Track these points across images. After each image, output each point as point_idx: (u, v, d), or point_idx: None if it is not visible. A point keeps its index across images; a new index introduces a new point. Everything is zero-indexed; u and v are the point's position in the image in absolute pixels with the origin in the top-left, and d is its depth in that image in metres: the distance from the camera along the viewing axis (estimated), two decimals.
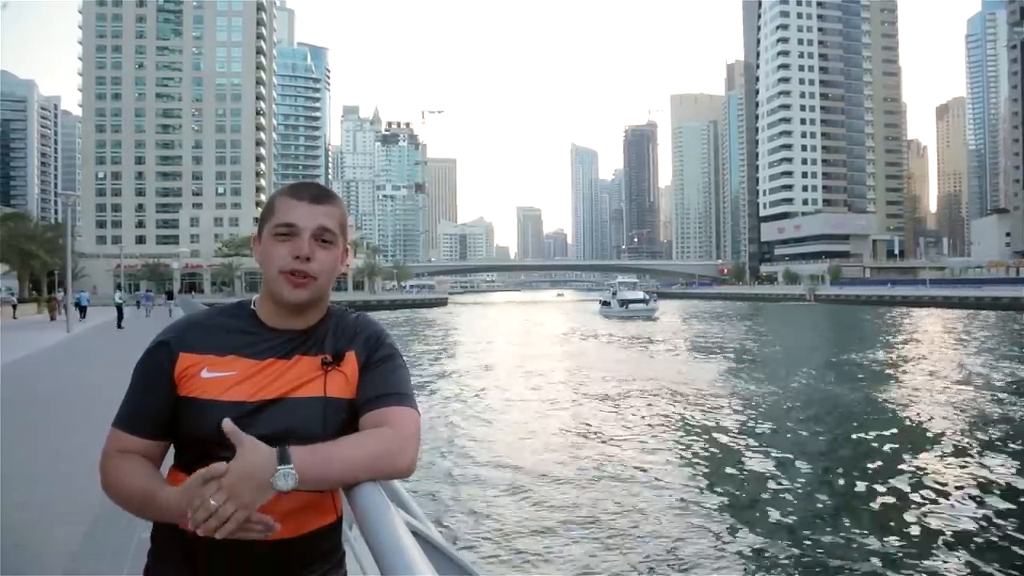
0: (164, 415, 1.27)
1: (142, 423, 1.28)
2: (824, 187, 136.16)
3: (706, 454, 11.94)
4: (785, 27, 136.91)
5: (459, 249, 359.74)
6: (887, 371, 22.67)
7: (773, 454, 11.83)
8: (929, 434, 13.09)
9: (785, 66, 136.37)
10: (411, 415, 1.27)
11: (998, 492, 9.40)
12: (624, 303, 63.84)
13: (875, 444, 12.39)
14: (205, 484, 1.06)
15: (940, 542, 7.69)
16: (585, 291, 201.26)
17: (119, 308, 28.37)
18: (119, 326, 26.75)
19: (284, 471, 1.07)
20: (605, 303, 69.85)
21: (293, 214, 1.30)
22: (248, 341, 1.30)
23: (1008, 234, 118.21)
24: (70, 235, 29.05)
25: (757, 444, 12.55)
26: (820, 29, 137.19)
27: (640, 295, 65.96)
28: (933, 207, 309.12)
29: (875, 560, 7.25)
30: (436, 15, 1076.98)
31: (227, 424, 1.12)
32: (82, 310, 36.96)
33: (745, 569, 7.15)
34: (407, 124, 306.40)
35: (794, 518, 8.60)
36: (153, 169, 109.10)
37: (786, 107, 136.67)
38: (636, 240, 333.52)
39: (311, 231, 1.30)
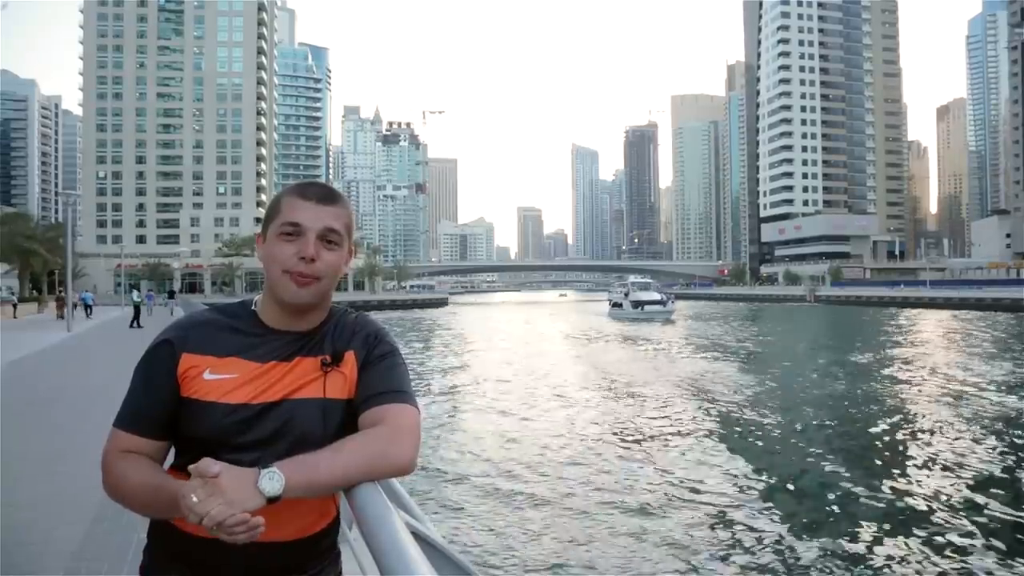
0: (166, 415, 1.27)
1: (144, 422, 1.27)
2: (825, 188, 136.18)
3: (717, 460, 11.92)
4: (786, 28, 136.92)
5: (459, 249, 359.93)
6: (894, 373, 22.66)
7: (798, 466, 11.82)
8: (931, 437, 13.09)
9: (786, 67, 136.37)
10: (410, 412, 1.26)
11: (996, 492, 9.40)
12: (638, 304, 59.46)
13: (881, 445, 12.39)
14: (193, 478, 1.07)
15: (940, 543, 7.69)
16: (586, 291, 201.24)
17: (136, 307, 28.71)
18: (138, 324, 26.75)
19: (268, 473, 1.08)
20: (616, 304, 65.19)
21: (299, 214, 1.29)
22: (250, 343, 1.30)
23: (1009, 235, 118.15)
24: (70, 234, 28.97)
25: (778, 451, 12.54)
26: (821, 30, 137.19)
27: (656, 296, 61.73)
28: (934, 208, 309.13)
29: (873, 561, 7.26)
30: (437, 15, 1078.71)
31: (197, 466, 1.09)
32: (88, 308, 38.02)
33: (742, 569, 7.15)
34: (408, 124, 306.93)
35: (807, 526, 8.60)
36: (154, 169, 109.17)
37: (787, 108, 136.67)
38: (636, 240, 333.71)
39: (317, 232, 1.29)
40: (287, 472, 1.08)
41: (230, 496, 1.05)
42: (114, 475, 1.23)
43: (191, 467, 1.09)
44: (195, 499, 1.03)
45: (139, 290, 33.82)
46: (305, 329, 1.33)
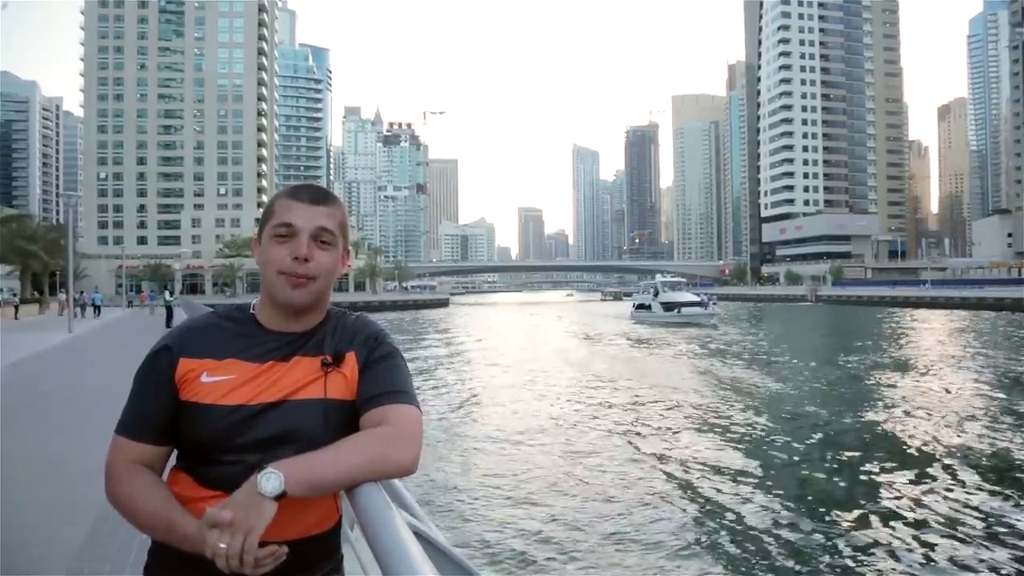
0: (166, 421, 1.27)
1: (144, 429, 1.28)
2: (826, 188, 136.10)
3: (725, 465, 11.90)
4: (786, 27, 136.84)
5: (460, 250, 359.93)
6: (900, 374, 22.64)
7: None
8: (932, 437, 13.06)
9: (786, 67, 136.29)
10: (412, 413, 1.26)
11: (996, 496, 9.38)
12: (672, 306, 52.48)
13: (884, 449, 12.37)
14: (209, 530, 1.07)
15: (936, 547, 7.68)
16: (587, 291, 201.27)
17: (168, 308, 29.20)
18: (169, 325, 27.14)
19: (265, 474, 1.08)
20: (642, 306, 58.17)
21: (292, 214, 1.30)
22: (247, 344, 1.30)
23: (1010, 235, 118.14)
24: (71, 235, 28.90)
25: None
26: (822, 29, 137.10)
27: (692, 296, 54.58)
28: (935, 208, 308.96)
29: (872, 560, 7.24)
30: (437, 16, 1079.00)
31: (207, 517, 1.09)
32: (96, 309, 38.58)
33: (744, 570, 7.14)
34: (409, 125, 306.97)
35: (810, 534, 8.58)
36: (155, 170, 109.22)
37: (787, 107, 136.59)
38: (637, 240, 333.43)
39: (310, 232, 1.29)
40: (283, 470, 1.09)
41: (243, 523, 1.06)
42: (121, 491, 1.24)
43: (204, 519, 1.08)
44: (223, 546, 1.05)
45: (169, 292, 34.56)
46: (303, 329, 1.34)
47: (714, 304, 52.06)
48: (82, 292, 42.28)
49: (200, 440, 1.25)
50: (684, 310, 50.93)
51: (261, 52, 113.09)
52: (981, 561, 7.15)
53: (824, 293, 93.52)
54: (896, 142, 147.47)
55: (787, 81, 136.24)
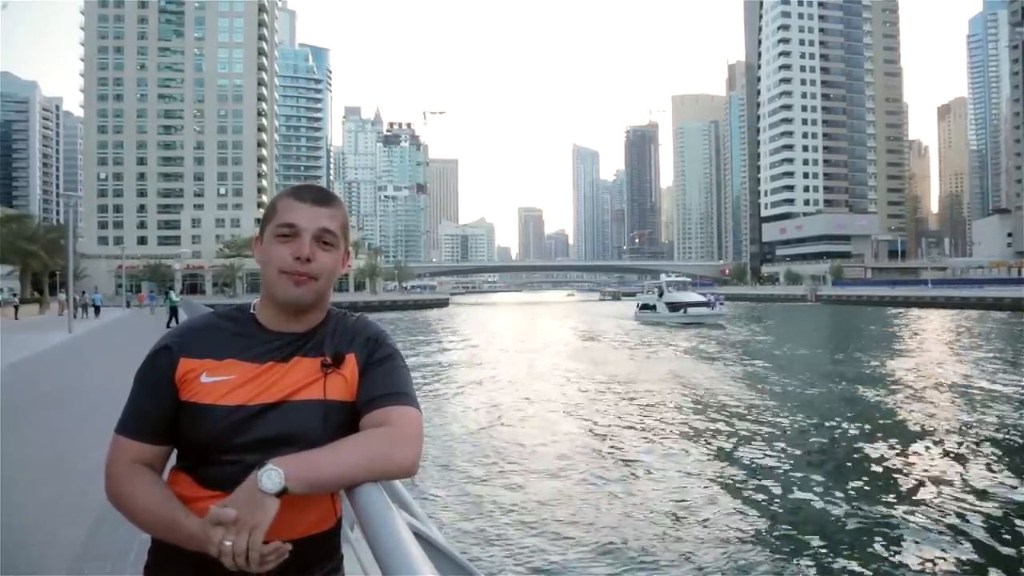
0: (166, 420, 1.28)
1: (144, 429, 1.28)
2: (825, 187, 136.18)
3: (724, 463, 11.89)
4: (786, 27, 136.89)
5: (460, 250, 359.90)
6: (902, 375, 22.64)
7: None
8: (935, 438, 13.06)
9: (786, 66, 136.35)
10: (412, 414, 1.26)
11: (992, 493, 9.37)
12: (677, 307, 51.44)
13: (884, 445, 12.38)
14: (214, 528, 1.08)
15: (933, 545, 7.67)
16: (587, 291, 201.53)
17: (173, 309, 29.04)
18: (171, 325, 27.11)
19: (266, 471, 1.09)
20: (647, 306, 57.17)
21: (295, 215, 1.30)
22: (247, 344, 1.30)
23: (1010, 234, 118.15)
24: (71, 236, 28.88)
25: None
26: (821, 29, 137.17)
27: (698, 297, 53.85)
28: (935, 207, 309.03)
29: (870, 559, 7.24)
30: (437, 16, 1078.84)
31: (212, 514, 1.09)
32: (96, 309, 39.15)
33: (744, 568, 7.13)
34: (409, 125, 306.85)
35: (816, 540, 8.58)
36: (155, 170, 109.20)
37: (787, 107, 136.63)
38: (637, 240, 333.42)
39: (312, 232, 1.30)
40: (283, 467, 1.10)
41: (248, 520, 1.06)
42: (123, 490, 1.24)
43: (209, 518, 1.09)
44: (229, 543, 1.05)
45: (174, 292, 34.55)
46: (303, 330, 1.34)
47: (721, 304, 51.05)
48: (83, 292, 42.19)
49: (200, 440, 1.25)
50: (690, 310, 50.20)
51: (261, 52, 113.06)
52: (982, 559, 7.16)
53: (824, 293, 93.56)
54: (896, 142, 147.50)
55: (787, 81, 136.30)
